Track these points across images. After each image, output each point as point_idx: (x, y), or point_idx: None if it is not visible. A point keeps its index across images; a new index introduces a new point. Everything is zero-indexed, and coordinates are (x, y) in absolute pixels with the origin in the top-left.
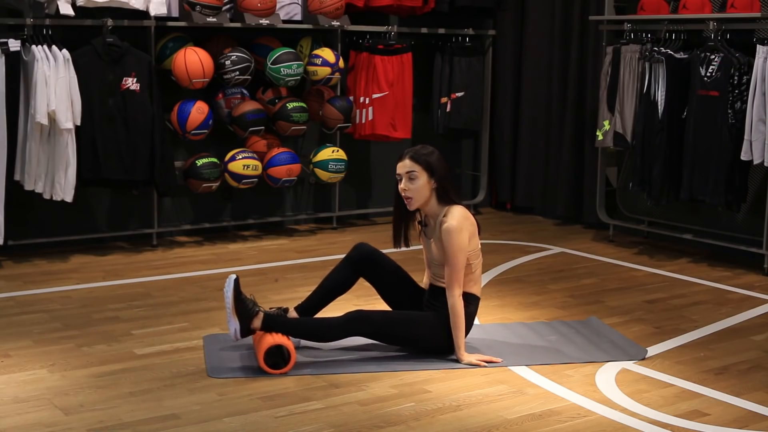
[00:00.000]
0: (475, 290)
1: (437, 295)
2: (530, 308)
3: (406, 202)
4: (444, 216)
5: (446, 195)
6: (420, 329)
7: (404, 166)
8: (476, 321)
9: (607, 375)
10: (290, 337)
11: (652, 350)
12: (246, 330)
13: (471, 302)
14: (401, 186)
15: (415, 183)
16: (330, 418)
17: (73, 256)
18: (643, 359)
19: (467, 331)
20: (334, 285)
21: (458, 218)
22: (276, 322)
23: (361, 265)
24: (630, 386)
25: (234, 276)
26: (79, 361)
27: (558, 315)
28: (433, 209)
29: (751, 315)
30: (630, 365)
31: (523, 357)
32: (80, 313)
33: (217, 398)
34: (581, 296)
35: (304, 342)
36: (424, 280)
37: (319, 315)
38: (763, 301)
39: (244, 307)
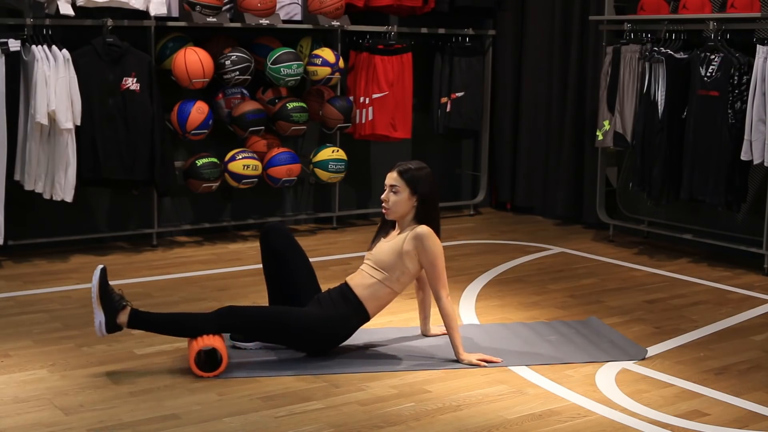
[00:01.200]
0: (373, 307)
1: (338, 292)
2: (530, 308)
3: (383, 211)
4: (413, 228)
5: (425, 215)
6: (291, 326)
7: (390, 178)
8: (476, 321)
9: (607, 375)
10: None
11: (652, 350)
12: (111, 324)
13: (360, 313)
14: (383, 196)
15: (395, 197)
16: (330, 418)
17: (73, 256)
18: (643, 359)
19: (343, 341)
20: (269, 274)
21: (429, 229)
22: (143, 317)
23: (269, 240)
24: (630, 386)
25: (101, 266)
26: (79, 361)
27: (558, 315)
28: (405, 222)
29: (751, 315)
30: (630, 365)
31: (523, 357)
32: (80, 313)
33: (217, 398)
34: (581, 296)
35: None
36: (350, 278)
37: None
38: (763, 301)
39: (110, 300)
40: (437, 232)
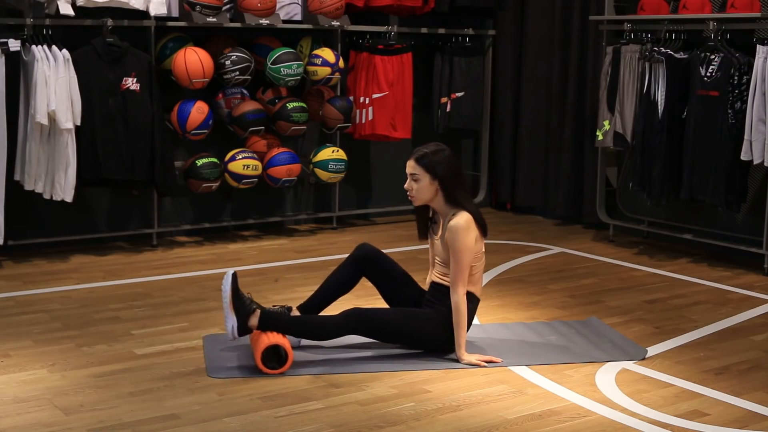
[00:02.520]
0: (476, 290)
1: (437, 292)
2: (530, 308)
3: (409, 198)
4: (452, 216)
5: (453, 196)
6: (417, 327)
7: (409, 166)
8: (476, 321)
9: (607, 375)
10: (288, 337)
11: (652, 350)
12: (243, 327)
13: (470, 301)
14: (406, 185)
15: (417, 184)
16: (330, 418)
17: (73, 256)
18: (643, 359)
19: (467, 329)
20: (337, 284)
21: (466, 219)
22: (273, 319)
23: (364, 264)
24: (630, 386)
25: (232, 271)
26: (79, 361)
27: (558, 315)
28: (441, 208)
29: (751, 315)
30: (630, 365)
31: (523, 357)
32: (80, 313)
33: (217, 398)
34: (581, 296)
35: (304, 341)
36: (426, 279)
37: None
38: (763, 301)
39: (241, 304)
40: (472, 210)
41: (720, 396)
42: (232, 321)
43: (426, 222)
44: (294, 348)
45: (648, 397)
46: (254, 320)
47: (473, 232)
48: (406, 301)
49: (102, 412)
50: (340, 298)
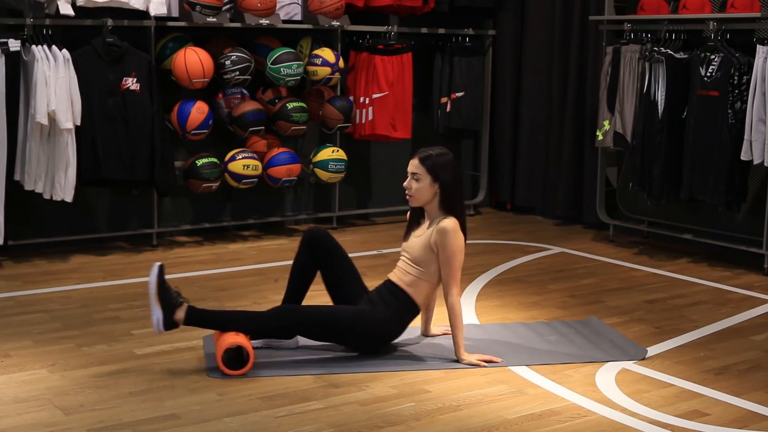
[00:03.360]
0: (420, 300)
1: (388, 292)
2: (530, 308)
3: (407, 198)
4: (440, 221)
5: (448, 202)
6: (348, 325)
7: (412, 165)
8: (476, 321)
9: (607, 375)
10: (283, 340)
11: (652, 350)
12: (169, 321)
13: (410, 308)
14: (405, 183)
15: (417, 184)
16: (330, 418)
17: (73, 256)
18: (643, 359)
19: (397, 336)
20: (296, 273)
21: (455, 222)
22: (201, 314)
23: (312, 246)
24: (630, 386)
25: (159, 264)
26: (79, 361)
27: (558, 315)
28: (432, 211)
29: (751, 315)
30: (630, 365)
31: (523, 357)
32: (80, 313)
33: (217, 398)
34: (581, 296)
35: (302, 341)
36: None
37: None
38: (763, 301)
39: (168, 297)
40: (462, 220)
41: (720, 396)
42: (157, 314)
43: (414, 223)
44: (293, 348)
45: (648, 397)
46: (180, 314)
47: (462, 236)
48: (346, 290)
49: (102, 412)
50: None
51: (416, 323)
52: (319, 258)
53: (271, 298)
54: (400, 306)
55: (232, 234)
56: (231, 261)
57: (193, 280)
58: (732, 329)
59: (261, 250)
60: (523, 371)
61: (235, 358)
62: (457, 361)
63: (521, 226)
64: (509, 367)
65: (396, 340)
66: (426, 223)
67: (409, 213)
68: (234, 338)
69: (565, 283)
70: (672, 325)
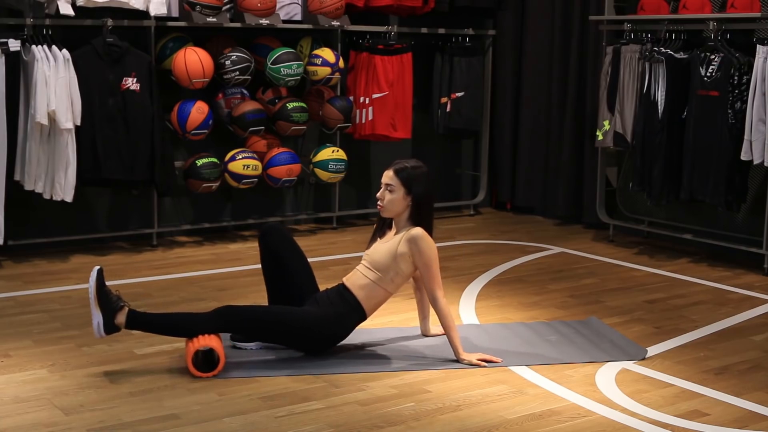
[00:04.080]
0: (369, 306)
1: (339, 296)
2: (530, 308)
3: (378, 208)
4: (409, 230)
5: (418, 215)
6: (290, 326)
7: (386, 176)
8: (476, 321)
9: (607, 375)
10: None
11: (652, 350)
12: (110, 325)
13: (357, 312)
14: (378, 194)
15: (389, 195)
16: (330, 418)
17: (73, 256)
18: (643, 359)
19: (341, 339)
20: (266, 275)
21: (423, 230)
22: (141, 317)
23: (268, 239)
24: (630, 386)
25: (98, 267)
26: (79, 361)
27: (558, 315)
28: (401, 222)
29: (751, 315)
30: (630, 365)
31: (523, 357)
32: (80, 313)
33: (217, 398)
34: (581, 296)
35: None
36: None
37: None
38: (763, 301)
39: (107, 300)
40: (430, 233)
41: (720, 396)
42: (98, 318)
43: (382, 233)
44: (293, 349)
45: (648, 397)
46: (121, 318)
47: (433, 241)
48: (294, 288)
49: (102, 412)
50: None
51: (416, 323)
52: (270, 254)
53: None
54: (346, 308)
55: (232, 234)
56: (231, 261)
57: (193, 280)
58: (732, 329)
59: None
60: (523, 371)
61: (205, 360)
62: (457, 361)
63: (521, 226)
64: (509, 367)
65: (396, 341)
66: (392, 232)
67: (376, 222)
68: (205, 341)
69: (565, 283)
70: (672, 325)
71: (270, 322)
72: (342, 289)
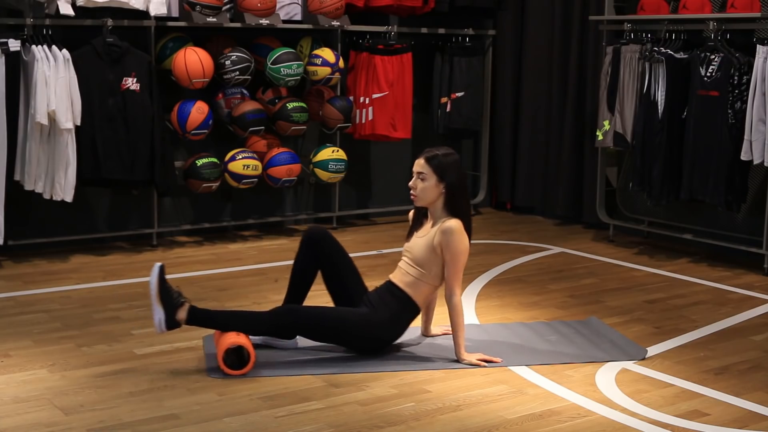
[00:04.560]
0: (420, 301)
1: (388, 293)
2: (530, 308)
3: (411, 197)
4: (443, 222)
5: (453, 203)
6: (347, 327)
7: (418, 164)
8: (476, 321)
9: (607, 375)
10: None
11: (652, 350)
12: (171, 321)
13: (410, 308)
14: (410, 183)
15: (423, 183)
16: (330, 418)
17: (73, 256)
18: (643, 359)
19: (398, 337)
20: (297, 274)
21: (459, 223)
22: (202, 313)
23: (313, 244)
24: (630, 386)
25: (159, 264)
26: (79, 361)
27: (558, 315)
28: (436, 212)
29: (751, 315)
30: (630, 365)
31: (523, 357)
32: (80, 313)
33: (217, 398)
34: (581, 296)
35: (300, 342)
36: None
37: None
38: (763, 301)
39: (169, 297)
40: (467, 222)
41: (720, 396)
42: (159, 314)
43: (416, 224)
44: (293, 349)
45: (648, 397)
46: (182, 314)
47: (467, 236)
48: (347, 290)
49: (102, 412)
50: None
51: (416, 323)
52: (320, 258)
53: (271, 298)
54: (400, 307)
55: (232, 234)
56: (231, 261)
57: (193, 280)
58: (732, 329)
59: (261, 250)
60: (523, 371)
61: (236, 358)
62: (457, 361)
63: (521, 226)
64: (509, 367)
65: (396, 341)
66: (429, 224)
67: (411, 213)
68: (235, 338)
69: (565, 283)
70: (672, 325)
71: (328, 324)
72: (391, 287)
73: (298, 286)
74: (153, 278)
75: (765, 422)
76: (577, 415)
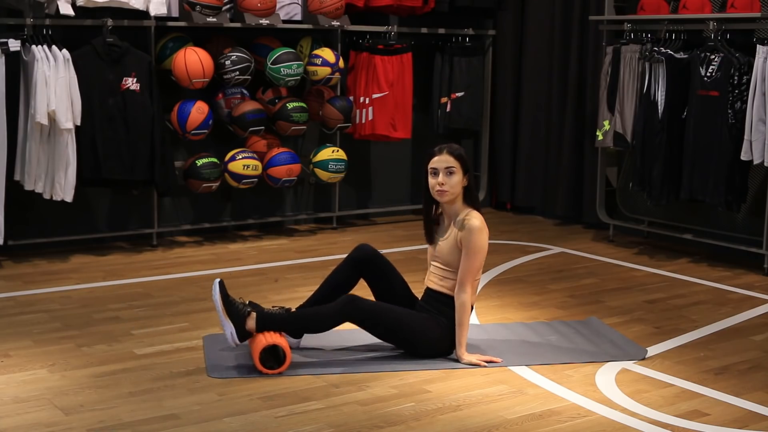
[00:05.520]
0: (473, 298)
1: (432, 299)
2: (530, 308)
3: (438, 195)
4: (466, 216)
5: (471, 195)
6: (411, 327)
7: (445, 161)
8: (476, 321)
9: (607, 375)
10: (288, 338)
11: (652, 350)
12: (242, 332)
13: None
14: (439, 179)
15: (453, 178)
16: (330, 418)
17: (73, 256)
18: (643, 359)
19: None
20: (336, 285)
21: (482, 219)
22: (271, 320)
23: (362, 265)
24: (630, 386)
25: (218, 280)
26: (79, 361)
27: (558, 315)
28: (455, 208)
29: (751, 315)
30: (630, 365)
31: (523, 357)
32: (80, 313)
33: (217, 398)
34: (581, 296)
35: (303, 342)
36: (425, 281)
37: None
38: (763, 301)
39: (235, 310)
40: (480, 211)
41: (720, 396)
42: (229, 328)
43: (432, 225)
44: (293, 349)
45: (648, 397)
46: (251, 323)
47: (487, 233)
48: (400, 305)
49: (102, 412)
50: None
51: None
52: (369, 277)
53: (272, 298)
54: (453, 311)
55: (232, 234)
56: (231, 261)
57: (193, 280)
58: (732, 329)
59: (261, 250)
60: (523, 371)
61: (272, 357)
62: (457, 360)
63: (521, 226)
64: (509, 367)
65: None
66: (446, 222)
67: (424, 216)
68: (271, 338)
69: (565, 283)
70: (672, 325)
71: (393, 322)
72: (436, 294)
73: (326, 293)
74: (215, 294)
75: (765, 422)
76: (577, 415)
